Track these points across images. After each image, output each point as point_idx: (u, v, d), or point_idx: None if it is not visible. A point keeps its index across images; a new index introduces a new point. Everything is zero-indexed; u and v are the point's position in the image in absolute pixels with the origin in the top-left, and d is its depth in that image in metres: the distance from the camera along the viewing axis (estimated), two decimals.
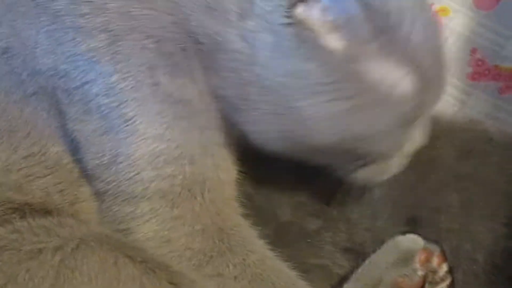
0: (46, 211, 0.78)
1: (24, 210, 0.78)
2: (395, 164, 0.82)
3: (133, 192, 0.76)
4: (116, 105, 0.75)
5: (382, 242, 0.86)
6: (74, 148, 0.78)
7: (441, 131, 0.88)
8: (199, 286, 0.75)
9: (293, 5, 0.70)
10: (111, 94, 0.74)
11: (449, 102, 1.13)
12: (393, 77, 0.72)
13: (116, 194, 0.77)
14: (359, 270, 0.85)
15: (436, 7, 1.15)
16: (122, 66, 0.74)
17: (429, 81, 0.74)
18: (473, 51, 1.14)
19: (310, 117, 0.73)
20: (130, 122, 0.75)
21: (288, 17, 0.70)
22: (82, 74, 0.75)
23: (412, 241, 0.85)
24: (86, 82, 0.75)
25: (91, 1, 0.74)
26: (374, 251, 0.86)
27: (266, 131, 0.77)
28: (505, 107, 1.10)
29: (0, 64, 0.78)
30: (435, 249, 0.85)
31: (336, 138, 0.74)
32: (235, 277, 0.76)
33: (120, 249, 0.73)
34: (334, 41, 0.70)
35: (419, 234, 0.85)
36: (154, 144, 0.75)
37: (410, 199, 0.88)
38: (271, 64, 0.72)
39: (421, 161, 0.86)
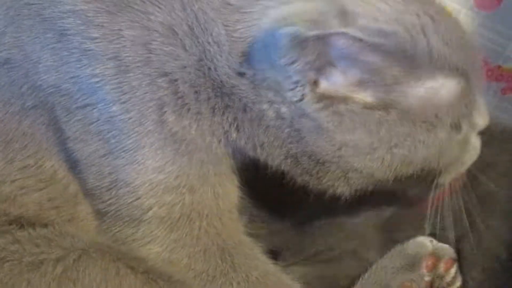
0: (42, 223, 0.77)
1: (21, 221, 0.77)
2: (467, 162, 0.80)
3: (133, 215, 0.75)
4: (116, 134, 0.73)
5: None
6: (72, 166, 0.77)
7: None
8: None
9: (315, 84, 0.68)
10: (112, 122, 0.73)
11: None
12: (434, 91, 0.70)
13: (116, 216, 0.76)
14: (366, 275, 0.85)
15: None
16: (128, 98, 0.72)
17: (468, 75, 0.72)
18: None
19: (377, 170, 0.72)
20: (130, 152, 0.73)
21: (319, 101, 0.68)
22: (84, 96, 0.73)
23: (419, 245, 0.85)
24: (88, 105, 0.73)
25: (103, 26, 0.71)
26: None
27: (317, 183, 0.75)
28: (508, 108, 1.10)
29: (0, 74, 0.77)
30: (445, 253, 0.85)
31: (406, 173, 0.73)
32: None
33: (122, 260, 0.73)
34: (367, 97, 0.69)
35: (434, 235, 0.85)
36: (153, 174, 0.74)
37: None
38: (320, 143, 0.70)
39: None
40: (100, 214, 0.77)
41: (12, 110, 0.76)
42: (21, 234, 0.74)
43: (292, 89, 0.68)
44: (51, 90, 0.74)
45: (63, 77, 0.73)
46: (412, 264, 0.84)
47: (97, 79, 0.72)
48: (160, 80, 0.72)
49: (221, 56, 0.70)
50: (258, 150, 0.75)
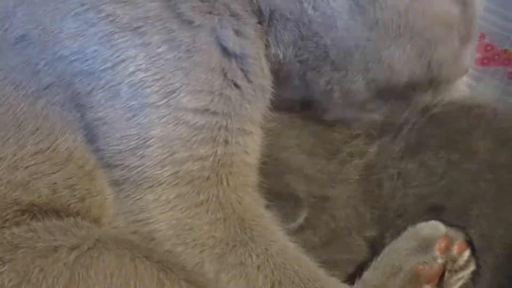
0: (54, 211, 0.76)
1: (33, 211, 0.76)
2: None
3: (160, 177, 0.75)
4: (158, 78, 0.73)
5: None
6: (90, 140, 0.76)
7: (480, 120, 0.89)
8: (213, 286, 0.74)
9: None
10: (155, 66, 0.73)
11: (458, 88, 1.11)
12: (447, 6, 0.81)
13: (139, 181, 0.76)
14: (379, 257, 0.84)
15: None
16: (175, 35, 0.74)
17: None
18: (482, 36, 1.13)
19: (397, 60, 0.79)
20: (173, 95, 0.73)
21: None
22: (117, 53, 0.73)
23: (432, 228, 0.84)
24: (122, 61, 0.73)
25: None
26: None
27: (347, 90, 0.82)
28: None
29: (12, 55, 0.76)
30: (458, 236, 0.84)
31: (419, 71, 0.81)
32: (258, 267, 0.76)
33: (137, 248, 0.72)
34: None
35: (444, 221, 0.84)
36: (195, 119, 0.75)
37: (437, 187, 0.86)
38: (352, 26, 0.77)
39: (456, 149, 0.87)
40: (119, 184, 0.77)
41: (24, 93, 0.76)
42: (36, 224, 0.73)
43: None
44: (74, 57, 0.74)
45: (89, 40, 0.73)
46: (425, 246, 0.83)
47: (138, 24, 0.73)
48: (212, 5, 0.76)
49: None
50: (293, 58, 0.80)
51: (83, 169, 0.77)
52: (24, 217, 0.75)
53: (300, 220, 0.85)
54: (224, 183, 0.77)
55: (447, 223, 0.85)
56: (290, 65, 0.82)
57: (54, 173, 0.77)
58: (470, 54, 0.89)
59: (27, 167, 0.76)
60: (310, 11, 0.77)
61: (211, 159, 0.76)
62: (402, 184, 0.88)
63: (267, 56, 0.81)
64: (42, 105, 0.76)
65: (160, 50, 0.73)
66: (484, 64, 1.11)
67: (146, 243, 0.75)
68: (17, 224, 0.74)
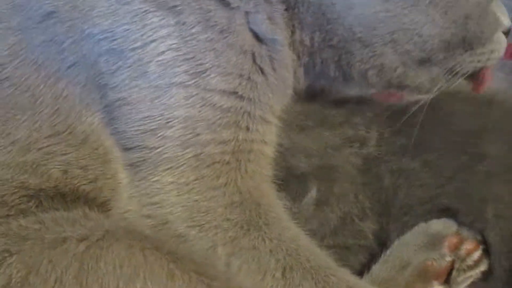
0: (62, 197, 0.75)
1: (39, 197, 0.75)
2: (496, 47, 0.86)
3: (181, 158, 0.75)
4: (189, 58, 0.73)
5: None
6: (108, 123, 0.76)
7: (493, 122, 0.88)
8: (223, 277, 0.73)
9: None
10: (187, 46, 0.73)
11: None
12: None
13: (158, 162, 0.75)
14: (388, 251, 0.84)
15: None
16: (211, 15, 0.74)
17: None
18: None
19: (422, 25, 0.79)
20: (203, 75, 0.73)
21: None
22: (150, 32, 0.73)
23: (444, 225, 0.84)
24: (153, 40, 0.73)
25: None
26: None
27: (380, 66, 0.82)
28: None
29: (36, 33, 0.75)
30: (470, 235, 0.84)
31: (447, 31, 0.80)
32: (271, 251, 0.75)
33: (147, 239, 0.71)
34: None
35: (460, 223, 0.84)
36: (222, 101, 0.75)
37: (447, 189, 0.86)
38: (367, 0, 0.78)
39: (465, 152, 0.86)
40: (136, 167, 0.76)
41: (45, 73, 0.75)
42: (44, 216, 0.72)
43: None
44: (103, 36, 0.73)
45: (121, 19, 0.73)
46: (435, 242, 0.83)
47: (175, 3, 0.73)
48: None
49: None
50: (323, 44, 0.81)
51: (97, 152, 0.77)
52: (30, 204, 0.74)
53: (313, 193, 0.85)
54: (243, 169, 0.77)
55: (464, 225, 0.84)
56: (324, 53, 0.83)
57: (67, 153, 0.76)
58: (501, 9, 0.87)
59: (40, 149, 0.75)
60: None
61: (232, 143, 0.76)
62: (404, 183, 0.87)
63: (293, 44, 0.81)
64: (63, 86, 0.75)
65: (194, 30, 0.73)
66: None
67: (159, 228, 0.75)
68: (23, 212, 0.73)
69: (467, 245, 0.83)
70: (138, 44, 0.73)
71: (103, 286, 0.67)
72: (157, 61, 0.74)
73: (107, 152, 0.77)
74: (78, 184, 0.77)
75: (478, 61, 0.85)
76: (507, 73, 1.10)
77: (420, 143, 0.88)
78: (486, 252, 0.84)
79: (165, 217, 0.75)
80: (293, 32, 0.81)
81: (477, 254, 0.83)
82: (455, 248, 0.83)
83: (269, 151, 0.81)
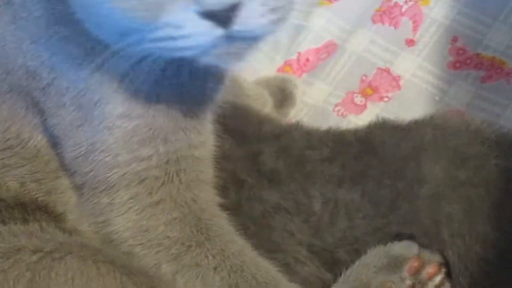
0: (22, 207, 0.77)
1: (0, 208, 0.76)
2: None
3: (110, 180, 0.75)
4: (83, 94, 0.73)
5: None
6: (53, 143, 0.77)
7: (427, 143, 0.86)
8: None
9: None
10: (79, 87, 0.73)
11: (429, 92, 1.11)
12: None
13: (93, 185, 0.76)
14: (348, 272, 0.82)
15: None
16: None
17: None
18: (454, 39, 1.13)
19: None
20: (97, 106, 0.73)
21: None
22: (52, 72, 0.73)
23: (405, 248, 0.82)
24: (55, 78, 0.73)
25: None
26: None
27: None
28: (487, 96, 1.08)
29: None
30: (432, 258, 0.82)
31: None
32: (214, 268, 0.75)
33: (100, 253, 0.72)
34: None
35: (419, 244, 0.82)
36: (124, 124, 0.74)
37: (391, 217, 0.84)
38: None
39: (400, 178, 0.84)
40: (78, 189, 0.77)
41: None
42: (2, 228, 0.73)
43: None
44: (21, 72, 0.75)
45: (26, 56, 0.74)
46: (395, 265, 0.81)
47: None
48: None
49: None
50: None
51: (49, 166, 0.78)
52: None
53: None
54: (176, 181, 0.76)
55: (423, 246, 0.82)
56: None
57: (22, 166, 0.78)
58: None
59: None
60: None
61: (154, 158, 0.75)
62: (345, 215, 0.85)
63: None
64: (7, 108, 0.77)
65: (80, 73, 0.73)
66: (456, 68, 1.11)
67: (108, 245, 0.75)
68: None
69: (429, 269, 0.81)
70: (49, 80, 0.74)
71: None
72: (68, 95, 0.74)
73: (58, 168, 0.78)
74: (35, 195, 0.78)
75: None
76: (470, 83, 1.11)
77: (356, 173, 0.86)
78: (449, 275, 0.82)
79: (110, 236, 0.76)
80: None
81: (438, 279, 0.82)
82: (416, 272, 0.81)
83: (202, 153, 0.79)
